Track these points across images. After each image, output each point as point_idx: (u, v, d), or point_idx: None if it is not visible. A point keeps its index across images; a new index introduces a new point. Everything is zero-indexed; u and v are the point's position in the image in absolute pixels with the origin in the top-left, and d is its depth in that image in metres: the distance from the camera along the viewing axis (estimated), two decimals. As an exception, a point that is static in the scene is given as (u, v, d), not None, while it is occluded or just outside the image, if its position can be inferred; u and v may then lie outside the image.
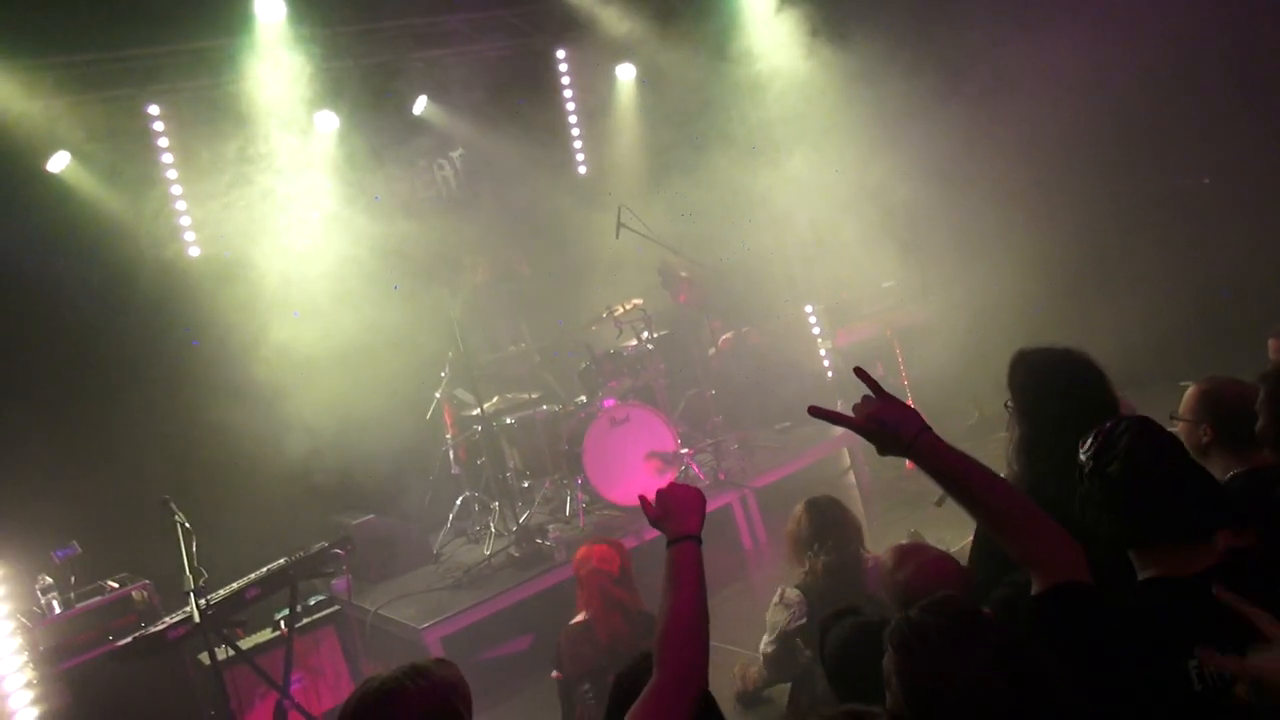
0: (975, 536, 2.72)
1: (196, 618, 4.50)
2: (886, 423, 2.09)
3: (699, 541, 2.24)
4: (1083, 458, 2.18)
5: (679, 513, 2.27)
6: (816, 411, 2.20)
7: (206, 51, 7.27)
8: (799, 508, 4.48)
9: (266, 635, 6.04)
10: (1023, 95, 6.77)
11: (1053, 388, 2.58)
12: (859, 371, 2.22)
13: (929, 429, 2.09)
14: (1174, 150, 6.73)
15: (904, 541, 3.33)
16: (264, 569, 5.34)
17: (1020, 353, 2.71)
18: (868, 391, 2.13)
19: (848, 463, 7.97)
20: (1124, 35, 6.37)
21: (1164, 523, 2.06)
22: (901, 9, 7.16)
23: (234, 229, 7.27)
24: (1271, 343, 4.18)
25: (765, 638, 4.50)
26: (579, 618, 4.78)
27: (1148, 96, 6.61)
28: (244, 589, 5.13)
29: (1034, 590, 2.04)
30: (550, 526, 6.94)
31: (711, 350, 8.61)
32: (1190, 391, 3.12)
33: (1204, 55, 6.36)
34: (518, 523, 6.79)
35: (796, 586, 4.39)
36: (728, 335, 8.75)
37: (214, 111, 7.34)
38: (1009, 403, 2.70)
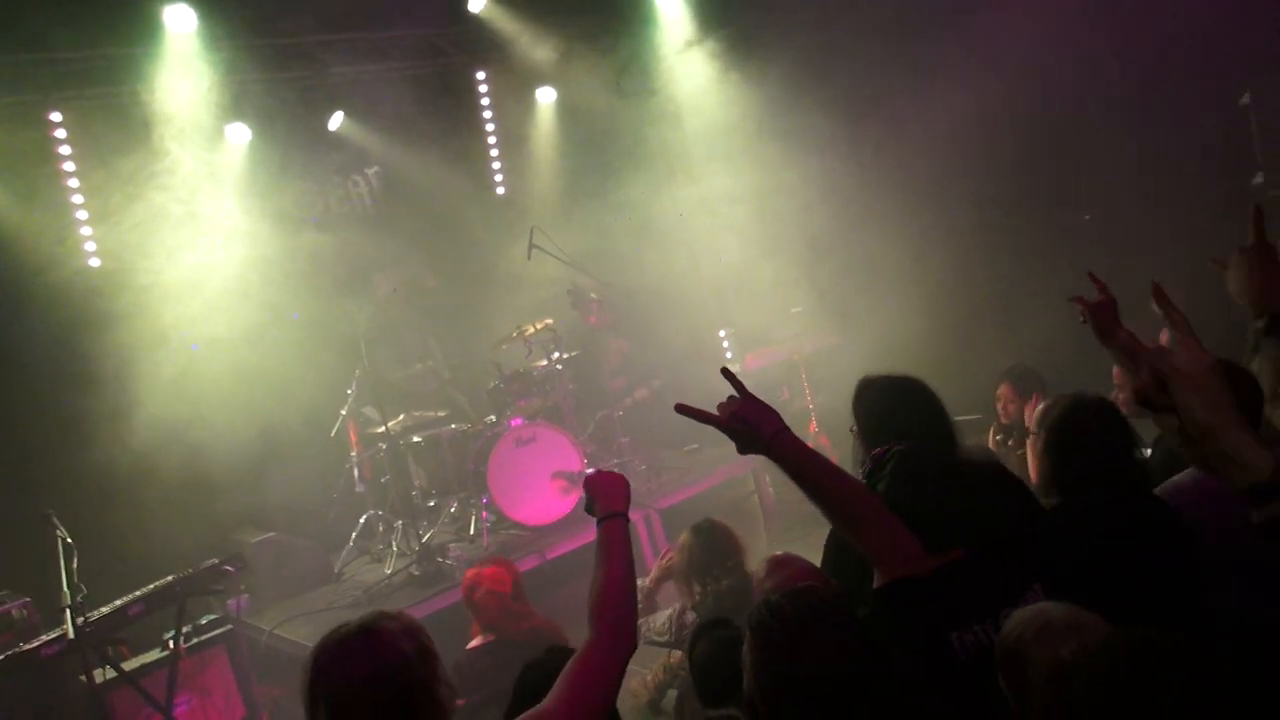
0: (824, 550, 2.83)
1: (71, 634, 4.37)
2: (748, 421, 2.20)
3: (626, 518, 2.42)
4: (860, 479, 2.41)
5: (605, 495, 2.45)
6: (683, 409, 2.30)
7: (113, 59, 7.13)
8: (685, 535, 4.47)
9: (154, 655, 5.88)
10: (920, 135, 7.05)
11: (893, 414, 2.73)
12: (725, 372, 2.34)
13: (787, 429, 2.20)
14: (1058, 188, 7.07)
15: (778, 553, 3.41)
16: (150, 586, 5.22)
17: (865, 380, 2.86)
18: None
19: (753, 485, 8.08)
20: (1010, 81, 6.70)
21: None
22: (805, 50, 7.39)
23: (138, 240, 7.12)
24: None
25: (649, 626, 4.46)
26: (477, 641, 4.69)
27: (1033, 139, 6.96)
28: (127, 606, 5.01)
29: (876, 584, 2.15)
30: (452, 545, 6.90)
31: (628, 400, 8.66)
32: (1039, 408, 3.32)
33: (1083, 101, 6.74)
34: (421, 542, 6.74)
35: (693, 609, 4.42)
36: (642, 393, 8.78)
37: (120, 121, 7.20)
38: (853, 427, 2.84)
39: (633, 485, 7.29)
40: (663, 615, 4.49)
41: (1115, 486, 2.58)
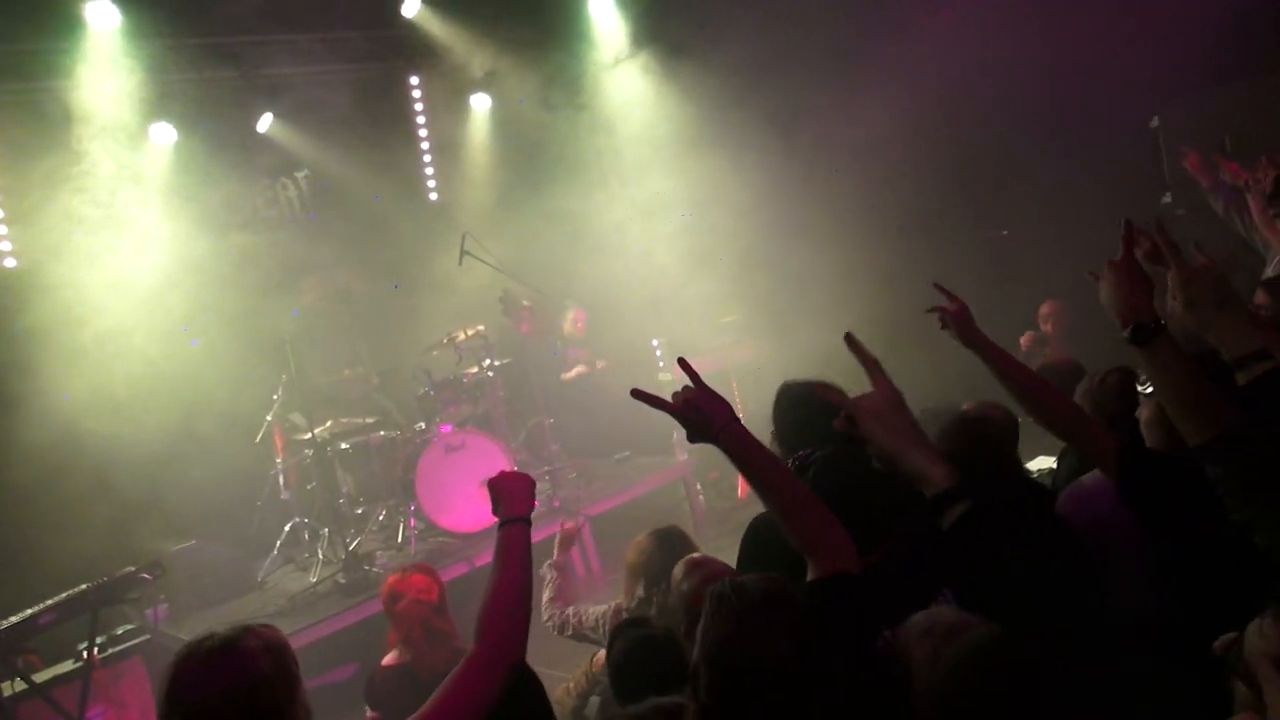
0: (741, 548, 2.90)
1: (-23, 644, 4.25)
2: (701, 409, 2.22)
3: (528, 523, 2.40)
4: None
5: (508, 498, 2.42)
6: (638, 394, 2.32)
7: (32, 55, 6.95)
8: (645, 538, 4.21)
9: (68, 666, 5.72)
10: (848, 150, 7.24)
11: (813, 420, 2.80)
12: (681, 362, 2.36)
13: (737, 420, 2.23)
14: (979, 204, 7.30)
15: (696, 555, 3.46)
16: (62, 594, 5.07)
17: (785, 385, 2.94)
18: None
19: (683, 492, 8.14)
20: (934, 100, 6.93)
21: None
22: (737, 64, 7.50)
23: (57, 241, 6.96)
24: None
25: (579, 619, 4.42)
26: (393, 657, 4.33)
27: (956, 156, 7.19)
28: (37, 615, 4.86)
29: (810, 576, 2.21)
30: (379, 553, 6.84)
31: (568, 374, 8.80)
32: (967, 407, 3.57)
33: (1004, 121, 6.99)
34: (347, 550, 6.67)
35: (628, 611, 4.40)
36: (581, 368, 8.87)
37: (39, 119, 7.02)
38: (772, 431, 2.91)
39: (564, 493, 7.30)
40: (596, 610, 4.44)
41: (994, 494, 2.70)
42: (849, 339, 1.98)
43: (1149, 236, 2.78)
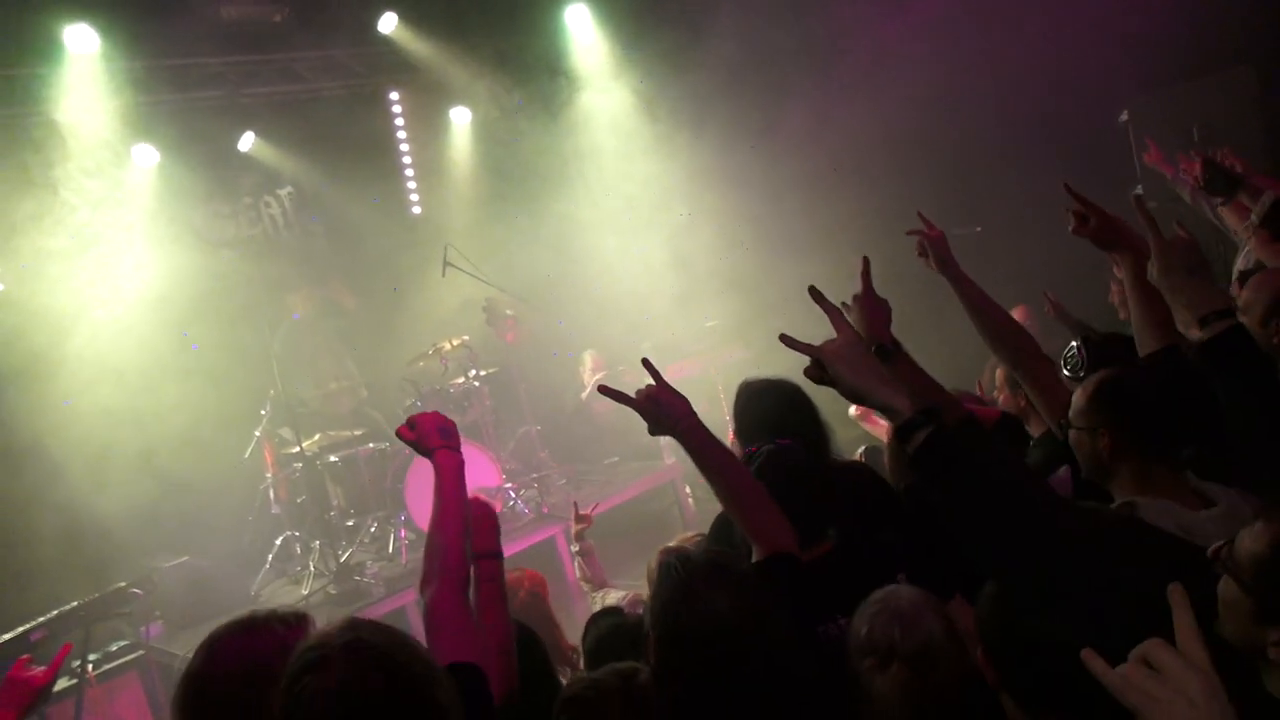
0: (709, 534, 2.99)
1: (-30, 661, 4.26)
2: (661, 404, 2.38)
3: (454, 450, 2.49)
4: None
5: (422, 432, 2.50)
6: (605, 390, 2.48)
7: (10, 80, 6.98)
8: (699, 536, 3.84)
9: (61, 684, 5.73)
10: (823, 154, 7.34)
11: (766, 414, 2.88)
12: (645, 363, 2.51)
13: (695, 415, 2.40)
14: (954, 203, 7.39)
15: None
16: (54, 611, 5.10)
17: (744, 383, 3.07)
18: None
19: (673, 496, 8.20)
20: (909, 103, 7.03)
21: None
22: (713, 74, 7.61)
23: (39, 263, 6.98)
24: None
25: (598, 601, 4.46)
26: None
27: (926, 155, 7.29)
28: (29, 631, 4.88)
29: (755, 558, 2.33)
30: (370, 564, 6.88)
31: (583, 394, 8.87)
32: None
33: (978, 119, 7.09)
34: (338, 562, 6.71)
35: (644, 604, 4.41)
36: (601, 375, 8.92)
37: (20, 142, 7.06)
38: (733, 427, 3.01)
39: (552, 499, 7.32)
40: (614, 595, 4.51)
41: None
42: (813, 291, 2.15)
43: (1095, 211, 2.91)
